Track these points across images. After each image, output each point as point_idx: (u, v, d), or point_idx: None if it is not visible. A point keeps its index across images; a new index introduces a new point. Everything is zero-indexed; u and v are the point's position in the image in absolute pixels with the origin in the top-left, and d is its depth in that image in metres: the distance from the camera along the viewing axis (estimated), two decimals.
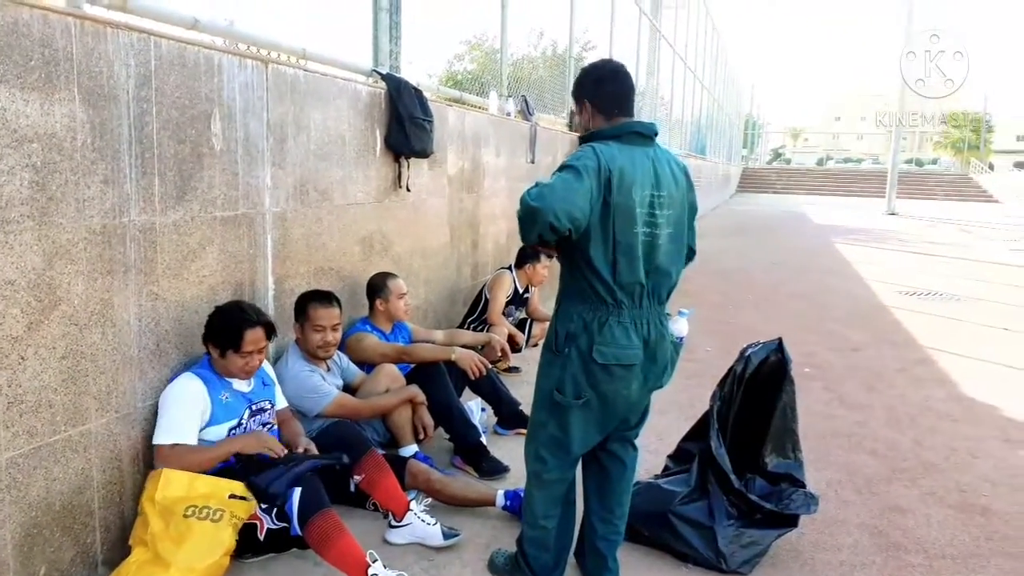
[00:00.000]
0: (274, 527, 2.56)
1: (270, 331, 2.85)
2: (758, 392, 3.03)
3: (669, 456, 3.27)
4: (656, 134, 2.40)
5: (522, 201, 2.21)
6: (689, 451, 3.12)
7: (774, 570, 2.86)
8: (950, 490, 3.62)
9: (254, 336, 2.76)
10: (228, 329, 2.73)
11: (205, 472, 2.59)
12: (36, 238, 2.19)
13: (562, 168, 2.24)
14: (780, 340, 3.09)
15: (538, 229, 2.19)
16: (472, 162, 5.50)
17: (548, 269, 4.42)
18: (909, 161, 51.02)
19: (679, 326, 2.45)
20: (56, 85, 2.21)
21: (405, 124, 4.11)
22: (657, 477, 3.17)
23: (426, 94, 4.40)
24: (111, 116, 2.40)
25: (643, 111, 13.20)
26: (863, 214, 24.29)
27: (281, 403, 3.05)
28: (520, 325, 5.46)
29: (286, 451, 2.74)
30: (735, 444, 2.95)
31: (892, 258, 13.14)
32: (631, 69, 12.39)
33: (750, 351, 3.06)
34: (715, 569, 2.80)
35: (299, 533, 2.50)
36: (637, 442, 2.65)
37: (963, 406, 4.96)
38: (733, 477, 2.86)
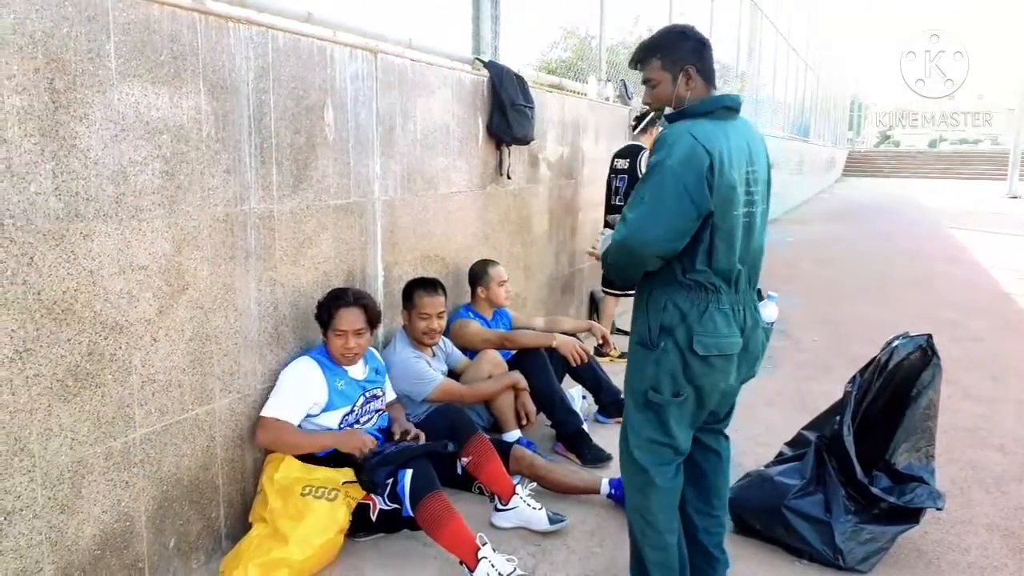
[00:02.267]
0: (386, 508, 2.62)
1: (371, 316, 2.86)
2: (897, 386, 2.88)
3: (787, 443, 3.16)
4: (741, 105, 2.22)
5: (617, 243, 2.07)
6: (807, 439, 3.00)
7: (896, 570, 2.73)
8: None
9: (348, 316, 2.79)
10: (324, 308, 2.80)
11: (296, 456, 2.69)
12: (166, 225, 2.30)
13: (652, 168, 2.05)
14: (930, 336, 2.92)
15: (642, 267, 2.10)
16: (571, 148, 5.46)
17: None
18: None
19: (769, 311, 2.30)
20: (184, 78, 2.31)
21: (507, 111, 4.11)
22: (769, 465, 3.07)
23: (527, 81, 4.38)
24: (233, 107, 2.50)
25: (745, 92, 12.80)
26: (981, 197, 22.84)
27: (391, 394, 3.11)
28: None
29: (376, 448, 2.74)
30: (863, 436, 2.82)
31: (1014, 244, 12.29)
32: (732, 51, 11.95)
33: (897, 342, 2.92)
34: (832, 566, 2.69)
35: (410, 514, 2.55)
36: (728, 431, 2.49)
37: None
38: (858, 467, 2.73)
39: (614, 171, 5.30)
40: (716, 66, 2.28)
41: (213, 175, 2.45)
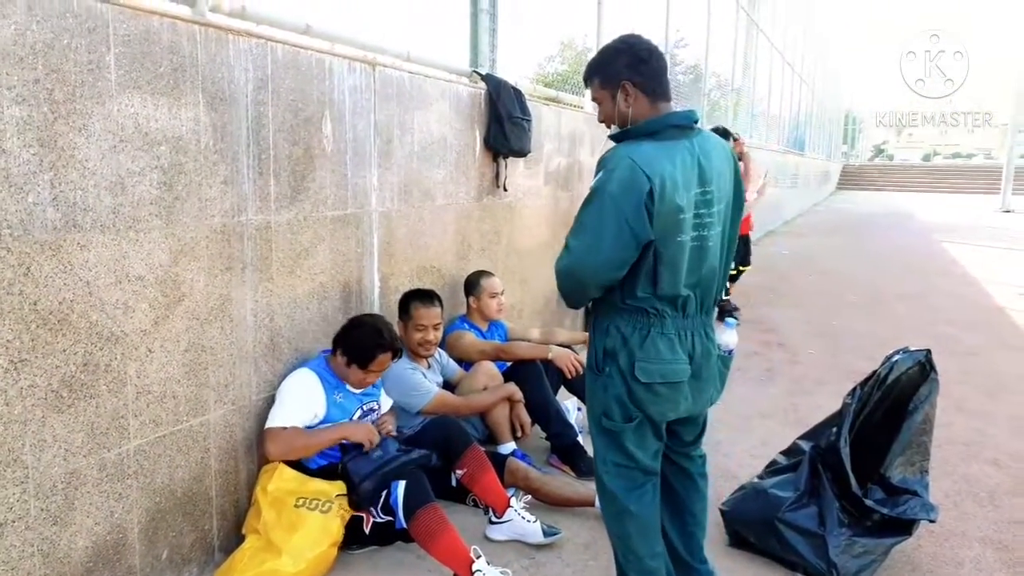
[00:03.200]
0: (380, 520, 2.61)
1: (397, 355, 2.92)
2: (894, 400, 2.89)
3: (781, 452, 3.17)
4: (696, 122, 2.12)
5: (557, 272, 2.05)
6: (801, 448, 3.01)
7: None
8: None
9: (383, 359, 2.84)
10: (363, 347, 2.80)
11: (311, 457, 2.71)
12: (163, 236, 2.31)
13: (591, 194, 2.01)
14: (928, 351, 2.94)
15: (585, 296, 2.09)
16: (568, 160, 5.48)
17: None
18: None
19: (727, 337, 2.22)
20: (183, 90, 2.32)
21: (504, 124, 4.13)
22: (763, 475, 3.07)
23: (524, 93, 4.41)
24: (231, 119, 2.51)
25: (740, 107, 12.87)
26: (974, 212, 22.95)
27: (386, 405, 3.11)
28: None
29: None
30: (858, 449, 2.82)
31: (1008, 258, 12.35)
32: (727, 64, 12.02)
33: (897, 357, 2.92)
34: None
35: (404, 526, 2.55)
36: (723, 444, 2.45)
37: None
38: (853, 479, 2.73)
39: None
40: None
41: (211, 186, 2.45)
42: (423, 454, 2.76)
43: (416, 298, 3.34)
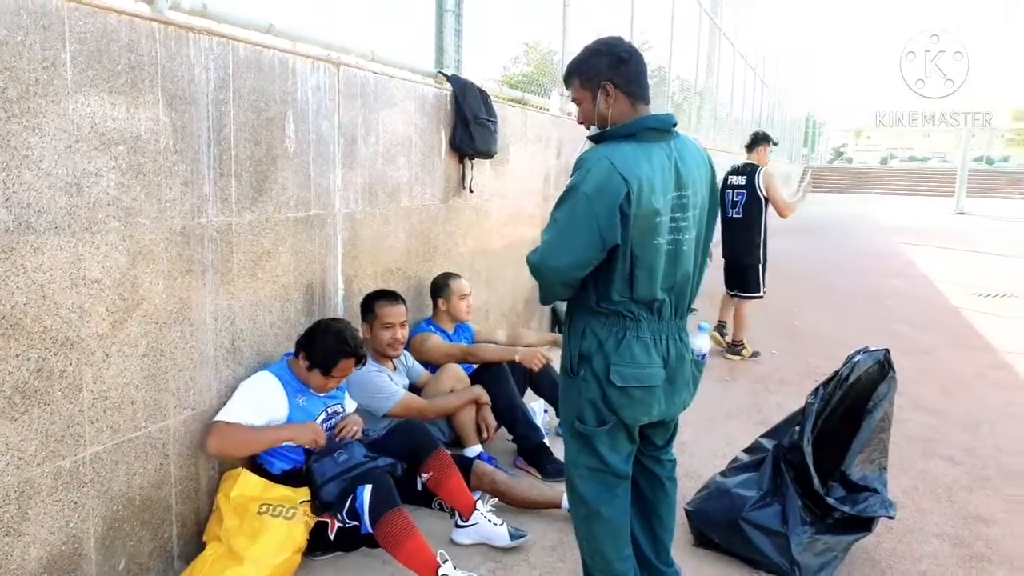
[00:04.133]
0: (345, 525, 2.58)
1: (361, 362, 2.89)
2: (854, 399, 2.95)
3: (744, 450, 3.20)
4: (675, 125, 2.13)
5: (531, 266, 2.05)
6: (764, 447, 3.05)
7: None
8: None
9: (346, 365, 2.82)
10: (326, 353, 2.77)
11: (255, 455, 2.68)
12: (121, 238, 2.25)
13: (567, 192, 2.01)
14: (887, 351, 3.00)
15: (554, 293, 2.09)
16: (534, 162, 5.49)
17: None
18: (979, 159, 49.20)
19: (700, 342, 2.24)
20: (141, 89, 2.27)
21: (470, 125, 4.12)
22: (726, 473, 3.10)
23: (489, 94, 4.40)
24: (192, 119, 2.46)
25: (703, 110, 13.01)
26: (930, 214, 23.50)
27: (351, 408, 3.08)
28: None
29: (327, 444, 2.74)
30: (819, 447, 2.87)
31: (962, 259, 12.67)
32: (691, 68, 12.12)
33: (858, 357, 2.98)
34: None
35: (369, 531, 2.52)
36: (687, 444, 2.47)
37: None
38: (815, 477, 2.77)
39: (731, 187, 5.80)
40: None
41: (170, 187, 2.40)
42: (390, 463, 2.73)
43: (380, 297, 3.32)
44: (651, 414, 2.14)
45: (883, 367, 2.97)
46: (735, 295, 5.99)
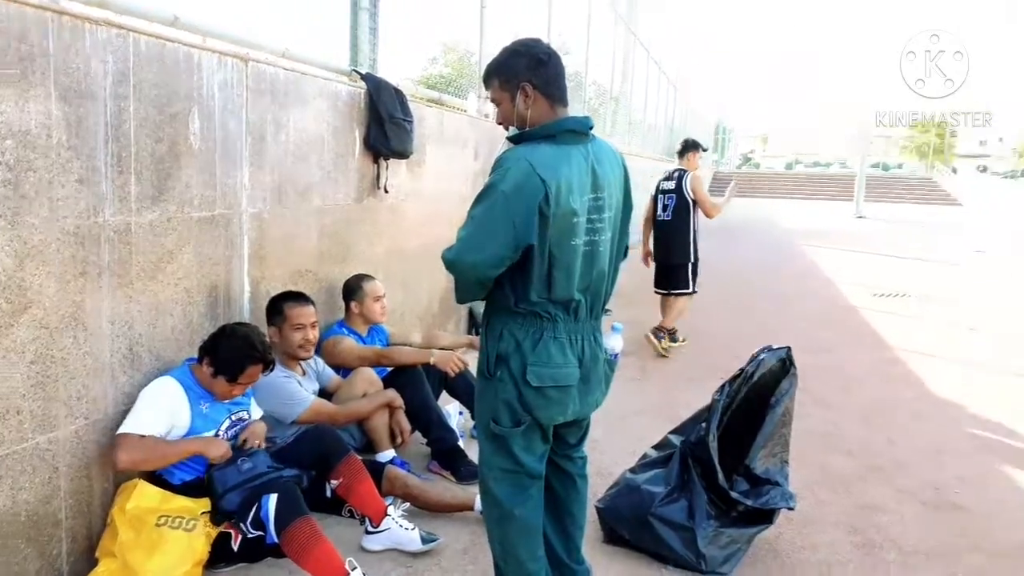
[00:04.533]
0: (250, 536, 2.51)
1: (269, 368, 2.82)
2: (758, 395, 3.06)
3: (653, 446, 3.28)
4: (591, 128, 2.16)
5: (444, 261, 2.04)
6: (672, 443, 3.13)
7: (753, 569, 2.88)
8: (923, 488, 3.68)
9: (253, 372, 2.74)
10: (232, 359, 2.68)
11: (174, 472, 2.58)
12: (7, 239, 2.13)
13: (485, 190, 2.01)
14: (789, 348, 3.12)
15: (469, 292, 2.09)
16: (451, 163, 5.48)
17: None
18: (876, 165, 51.90)
19: (613, 342, 2.29)
20: (32, 81, 2.15)
21: (385, 124, 4.08)
22: (635, 469, 3.16)
23: (405, 94, 4.37)
24: (87, 113, 2.35)
25: (618, 115, 13.26)
26: (832, 217, 24.62)
27: (256, 415, 3.00)
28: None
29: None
30: (724, 443, 2.97)
31: (860, 260, 13.34)
32: (606, 73, 12.31)
33: (763, 355, 3.09)
34: (695, 571, 2.80)
35: (275, 541, 2.46)
36: (598, 442, 2.49)
37: (933, 405, 5.05)
38: (720, 473, 2.87)
39: (662, 191, 6.17)
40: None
41: (63, 185, 2.28)
42: (295, 474, 2.66)
43: (288, 298, 3.24)
44: (566, 414, 2.17)
45: (785, 364, 3.10)
46: (667, 293, 6.24)
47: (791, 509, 3.00)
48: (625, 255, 2.34)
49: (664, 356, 6.00)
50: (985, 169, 67.79)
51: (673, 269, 6.16)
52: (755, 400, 3.06)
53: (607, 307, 2.28)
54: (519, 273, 2.05)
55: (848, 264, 12.51)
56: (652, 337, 6.05)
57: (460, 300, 2.19)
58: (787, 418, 3.09)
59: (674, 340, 6.20)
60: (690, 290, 6.17)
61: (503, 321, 2.12)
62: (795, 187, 40.03)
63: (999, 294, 9.74)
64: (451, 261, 2.04)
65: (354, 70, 4.18)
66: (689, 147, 6.29)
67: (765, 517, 2.96)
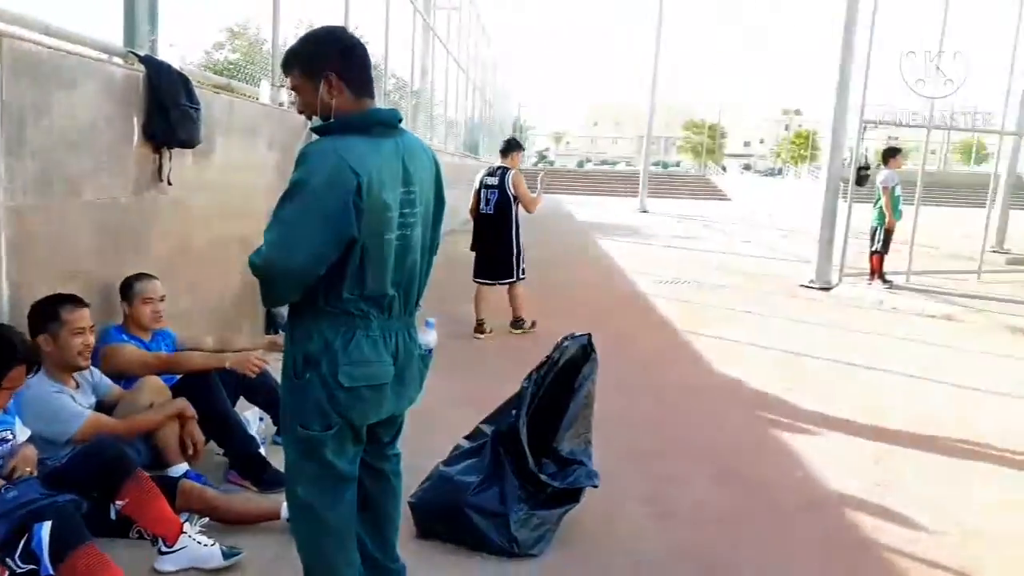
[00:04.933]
0: (20, 570, 2.21)
1: (34, 369, 2.51)
2: (563, 380, 3.18)
3: (465, 436, 3.30)
4: (400, 121, 2.12)
5: (252, 267, 1.93)
6: (484, 432, 3.19)
7: (563, 547, 3.00)
8: (711, 459, 4.02)
9: (17, 374, 2.41)
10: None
11: None
12: None
13: (292, 187, 1.91)
14: (590, 335, 3.29)
15: (282, 295, 2.00)
16: (243, 154, 5.17)
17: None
18: (657, 164, 56.07)
19: (428, 337, 2.27)
20: None
21: (168, 111, 3.74)
22: (448, 461, 3.16)
23: (190, 79, 4.04)
24: None
25: (419, 110, 13.24)
26: (619, 212, 26.24)
27: (23, 436, 2.63)
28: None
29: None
30: (533, 428, 3.05)
31: (646, 251, 14.35)
32: (406, 67, 12.15)
33: (567, 342, 3.23)
34: (509, 555, 2.86)
35: (51, 573, 2.18)
36: (406, 441, 2.43)
37: (717, 382, 5.54)
38: (529, 456, 2.96)
39: (486, 187, 6.56)
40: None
41: None
42: (72, 499, 2.37)
43: (63, 301, 2.89)
44: (381, 412, 2.13)
45: (586, 350, 3.27)
46: (492, 283, 6.66)
47: (595, 487, 3.15)
48: (435, 251, 2.31)
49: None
50: (749, 167, 75.76)
51: (497, 260, 6.57)
52: (561, 385, 3.20)
53: (419, 302, 2.25)
54: (330, 270, 1.97)
55: (635, 255, 13.39)
56: (515, 331, 6.70)
57: (271, 304, 2.08)
58: (589, 400, 3.25)
59: (520, 327, 6.76)
60: (514, 278, 6.62)
61: (311, 320, 2.03)
62: (588, 183, 42.24)
63: (765, 281, 10.85)
64: (261, 266, 1.92)
65: (131, 51, 3.81)
66: (512, 147, 6.76)
67: (572, 496, 3.10)
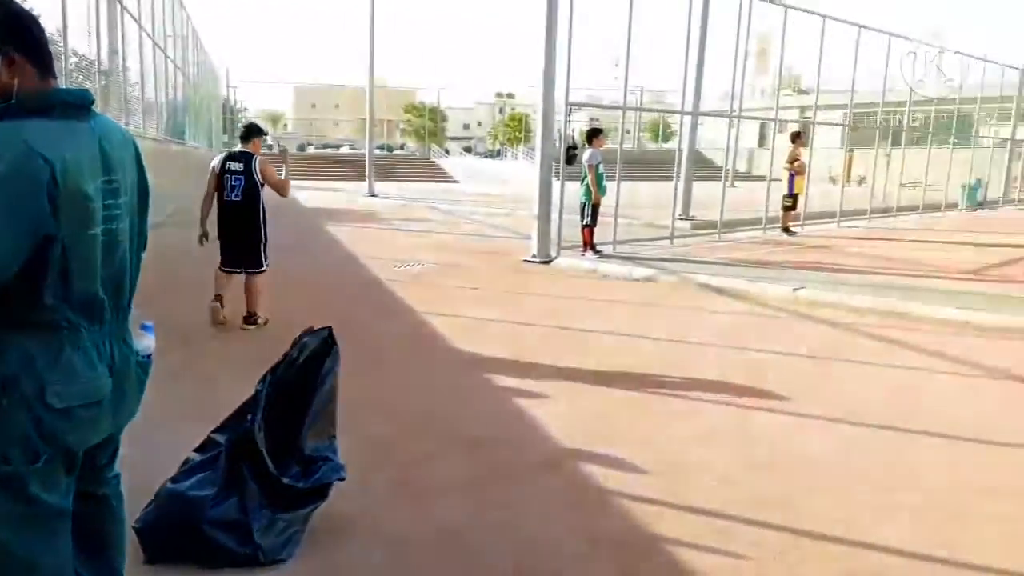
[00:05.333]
0: None
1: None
2: (304, 377, 3.06)
3: (195, 449, 3.07)
4: (92, 102, 1.90)
5: None
6: (216, 442, 2.98)
7: (313, 547, 2.93)
8: (457, 432, 4.16)
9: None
10: None
11: None
12: None
13: None
14: (330, 328, 3.17)
15: None
16: None
17: None
18: (381, 147, 56.03)
19: (145, 342, 2.06)
20: None
21: None
22: (176, 479, 2.92)
23: None
24: None
25: (111, 92, 11.89)
26: (347, 196, 25.85)
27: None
28: None
29: None
30: (273, 430, 2.91)
31: (378, 235, 14.33)
32: (91, 45, 10.93)
33: (305, 339, 3.09)
34: (255, 564, 2.72)
35: None
36: (118, 467, 2.15)
37: (458, 358, 5.72)
38: (269, 462, 2.82)
39: (229, 172, 6.35)
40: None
41: None
42: None
43: None
44: (100, 432, 1.90)
45: (327, 343, 3.18)
46: (238, 272, 6.50)
47: (343, 480, 3.10)
48: (143, 246, 2.09)
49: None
50: (470, 150, 78.75)
51: (245, 248, 6.42)
52: (303, 382, 3.08)
53: (131, 303, 2.02)
54: (27, 276, 1.69)
55: (367, 240, 13.29)
56: (247, 326, 6.41)
57: None
58: (333, 394, 3.19)
59: (254, 323, 6.50)
60: (263, 268, 6.51)
61: (8, 338, 1.75)
62: (310, 168, 41.02)
63: (493, 259, 11.37)
64: None
65: None
66: (253, 132, 6.73)
67: (319, 493, 3.02)
